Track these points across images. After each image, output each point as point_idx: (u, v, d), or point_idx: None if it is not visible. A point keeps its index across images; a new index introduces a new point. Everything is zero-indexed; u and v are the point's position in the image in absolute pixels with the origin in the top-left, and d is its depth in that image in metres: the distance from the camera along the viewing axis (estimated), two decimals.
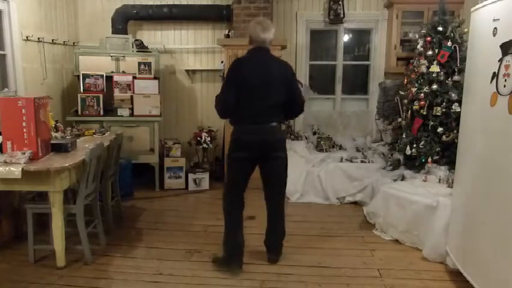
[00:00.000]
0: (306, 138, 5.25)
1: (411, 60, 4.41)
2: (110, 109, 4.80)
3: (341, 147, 5.13)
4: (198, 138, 5.01)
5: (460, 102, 3.42)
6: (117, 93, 4.78)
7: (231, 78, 2.91)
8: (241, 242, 3.02)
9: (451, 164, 3.54)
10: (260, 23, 2.93)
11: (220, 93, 2.97)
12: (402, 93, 4.43)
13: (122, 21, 5.23)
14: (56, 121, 3.95)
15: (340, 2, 5.21)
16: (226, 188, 3.10)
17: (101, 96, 4.73)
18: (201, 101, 5.67)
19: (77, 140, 3.51)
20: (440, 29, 4.05)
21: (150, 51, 5.09)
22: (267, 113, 2.96)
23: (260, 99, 2.93)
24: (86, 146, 3.31)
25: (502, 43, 2.26)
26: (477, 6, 2.67)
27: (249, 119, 2.94)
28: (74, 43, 5.30)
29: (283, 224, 3.19)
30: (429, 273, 2.98)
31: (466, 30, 3.71)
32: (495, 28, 2.35)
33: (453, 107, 3.85)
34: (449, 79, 3.98)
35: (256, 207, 4.31)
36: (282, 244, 3.20)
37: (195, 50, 5.50)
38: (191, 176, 4.96)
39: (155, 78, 4.90)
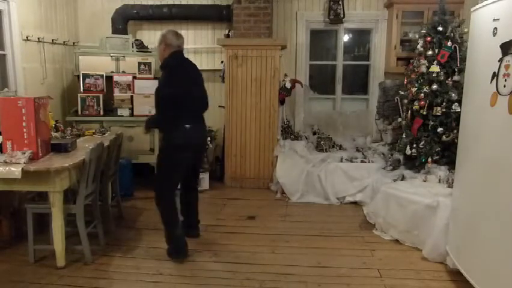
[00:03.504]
0: (306, 138, 5.24)
1: (411, 60, 4.41)
2: (110, 109, 4.80)
3: (341, 147, 5.12)
4: None
5: (460, 102, 3.42)
6: (117, 93, 4.78)
7: (170, 94, 2.99)
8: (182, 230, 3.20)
9: (451, 164, 3.54)
10: (173, 31, 3.20)
11: (161, 113, 3.05)
12: (402, 93, 4.44)
13: (122, 21, 5.24)
14: (56, 121, 3.95)
15: (340, 2, 5.21)
16: (166, 187, 3.14)
17: (101, 96, 4.73)
18: None
19: (77, 140, 3.51)
20: (440, 29, 4.05)
21: (150, 51, 5.08)
22: (199, 115, 3.27)
23: (194, 102, 3.14)
24: (86, 146, 3.31)
25: (502, 43, 2.26)
26: (477, 6, 2.67)
27: (189, 121, 3.10)
28: (74, 43, 5.30)
29: None
30: (429, 273, 2.98)
31: (466, 30, 3.70)
32: (495, 28, 2.35)
33: (453, 107, 3.85)
34: (449, 79, 3.97)
35: (256, 207, 4.35)
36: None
37: (194, 50, 5.50)
38: None
39: (155, 78, 4.88)
